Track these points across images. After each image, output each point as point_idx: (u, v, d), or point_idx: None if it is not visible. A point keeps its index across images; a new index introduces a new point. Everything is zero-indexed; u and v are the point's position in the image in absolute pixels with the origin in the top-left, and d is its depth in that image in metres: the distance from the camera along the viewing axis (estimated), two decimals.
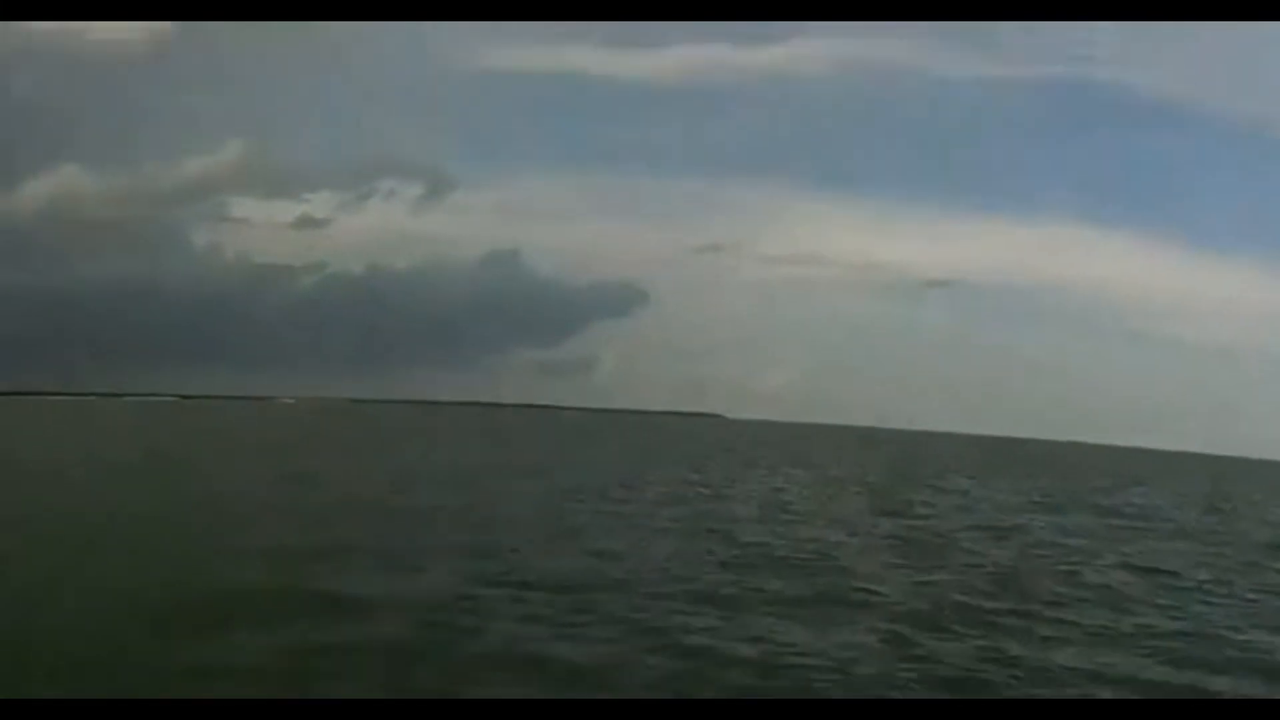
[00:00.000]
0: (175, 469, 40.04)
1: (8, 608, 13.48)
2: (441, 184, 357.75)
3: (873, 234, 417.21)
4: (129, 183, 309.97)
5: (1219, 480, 77.94)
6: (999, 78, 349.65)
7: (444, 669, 11.56)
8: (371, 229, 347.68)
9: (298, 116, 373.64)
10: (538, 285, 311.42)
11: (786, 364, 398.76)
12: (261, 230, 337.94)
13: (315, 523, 23.89)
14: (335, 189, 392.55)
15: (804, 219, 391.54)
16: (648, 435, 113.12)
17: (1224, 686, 12.29)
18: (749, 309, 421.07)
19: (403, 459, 51.30)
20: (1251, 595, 19.69)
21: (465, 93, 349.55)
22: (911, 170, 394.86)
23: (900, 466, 66.46)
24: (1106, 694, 11.63)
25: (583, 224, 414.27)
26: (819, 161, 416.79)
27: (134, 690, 9.71)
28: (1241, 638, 15.47)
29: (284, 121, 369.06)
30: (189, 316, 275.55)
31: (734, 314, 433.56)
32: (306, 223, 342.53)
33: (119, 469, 38.60)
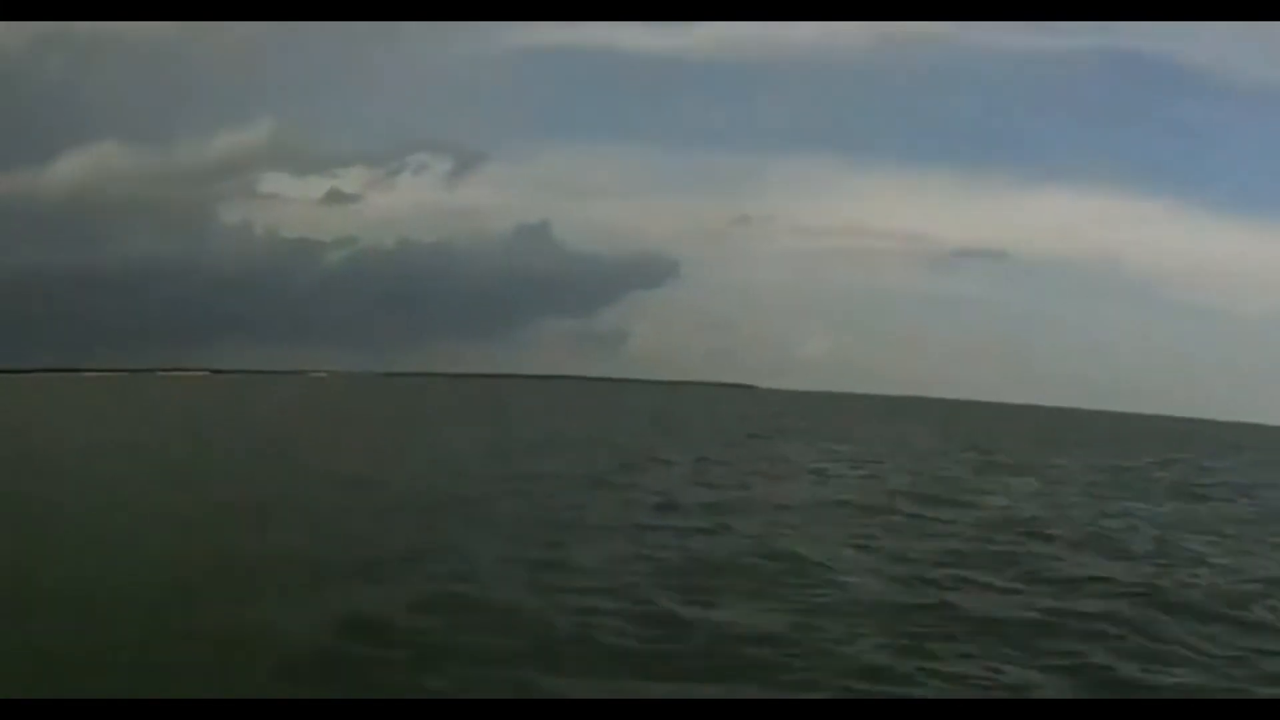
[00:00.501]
0: (164, 446, 36.46)
1: None
2: (472, 158, 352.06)
3: (909, 205, 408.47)
4: (161, 160, 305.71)
5: None
6: (1043, 48, 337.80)
7: None
8: (402, 204, 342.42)
9: (328, 93, 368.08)
10: (569, 257, 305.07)
11: (820, 334, 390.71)
12: (292, 206, 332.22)
13: (255, 517, 19.07)
14: (366, 164, 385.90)
15: (840, 190, 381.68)
16: (678, 406, 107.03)
17: None
18: (782, 280, 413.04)
19: (399, 435, 45.68)
20: None
21: (496, 67, 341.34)
22: (950, 141, 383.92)
23: (950, 441, 59.87)
24: None
25: (614, 197, 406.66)
26: (855, 132, 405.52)
27: None
28: None
29: (315, 98, 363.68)
30: (220, 292, 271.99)
31: (767, 285, 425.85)
32: (336, 198, 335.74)
33: (103, 449, 34.21)
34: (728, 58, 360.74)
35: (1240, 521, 25.07)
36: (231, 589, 12.81)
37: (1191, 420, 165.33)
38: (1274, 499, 32.20)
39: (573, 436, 47.13)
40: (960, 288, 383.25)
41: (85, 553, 15.00)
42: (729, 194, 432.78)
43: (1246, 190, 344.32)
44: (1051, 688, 10.01)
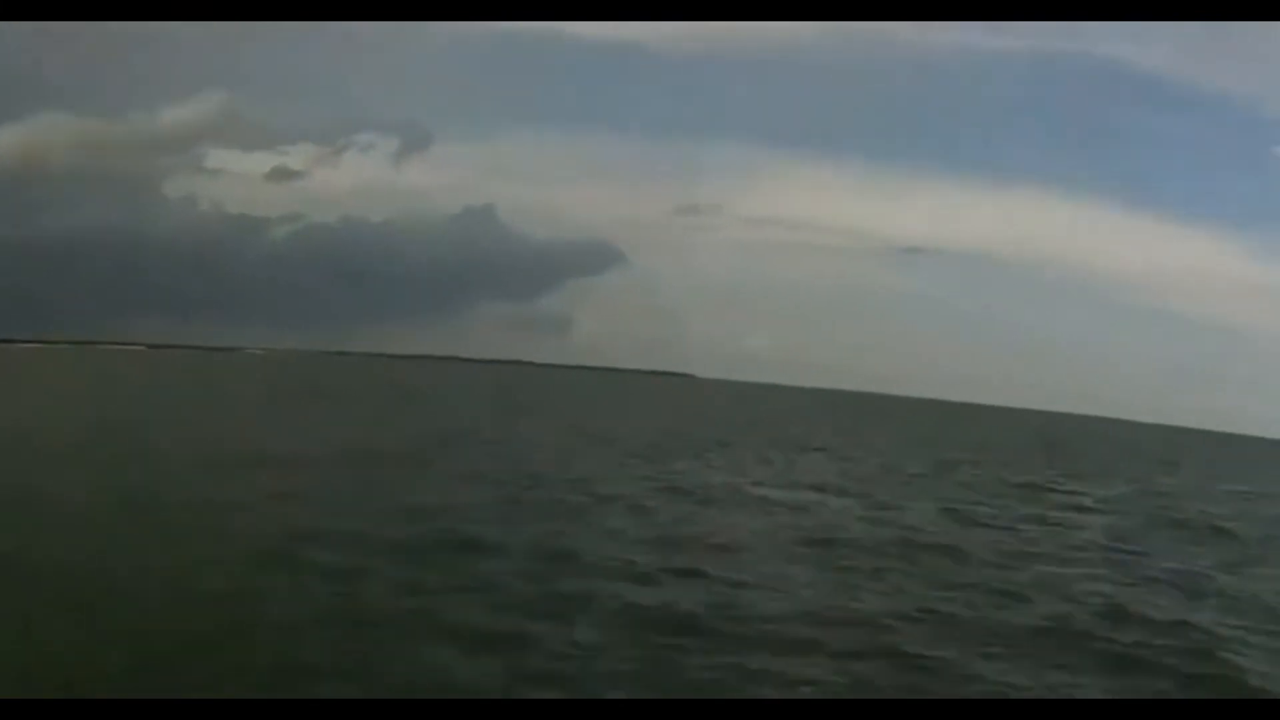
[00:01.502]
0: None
1: None
2: (419, 139, 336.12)
3: (854, 199, 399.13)
4: (106, 132, 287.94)
5: None
6: (987, 46, 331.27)
7: None
8: (348, 182, 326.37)
9: (278, 69, 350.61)
10: (513, 242, 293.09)
11: (762, 326, 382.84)
12: (236, 181, 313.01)
13: None
14: (312, 141, 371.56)
15: (786, 183, 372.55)
16: (614, 395, 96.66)
17: None
18: (727, 271, 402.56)
19: (279, 417, 35.44)
20: None
21: (444, 49, 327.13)
22: (895, 136, 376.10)
23: (924, 450, 50.01)
24: None
25: (561, 183, 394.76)
26: (802, 125, 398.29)
27: None
28: None
29: (263, 73, 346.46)
30: (163, 266, 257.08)
31: (711, 275, 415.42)
32: (282, 174, 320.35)
33: None
34: (681, 48, 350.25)
35: None
36: None
37: (1147, 426, 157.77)
38: None
39: (484, 433, 36.50)
40: (906, 284, 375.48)
41: None
42: (677, 183, 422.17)
43: (1199, 197, 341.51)
44: None
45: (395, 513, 17.39)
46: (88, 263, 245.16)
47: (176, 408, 44.33)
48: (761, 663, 9.94)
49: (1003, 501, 26.91)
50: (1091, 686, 10.00)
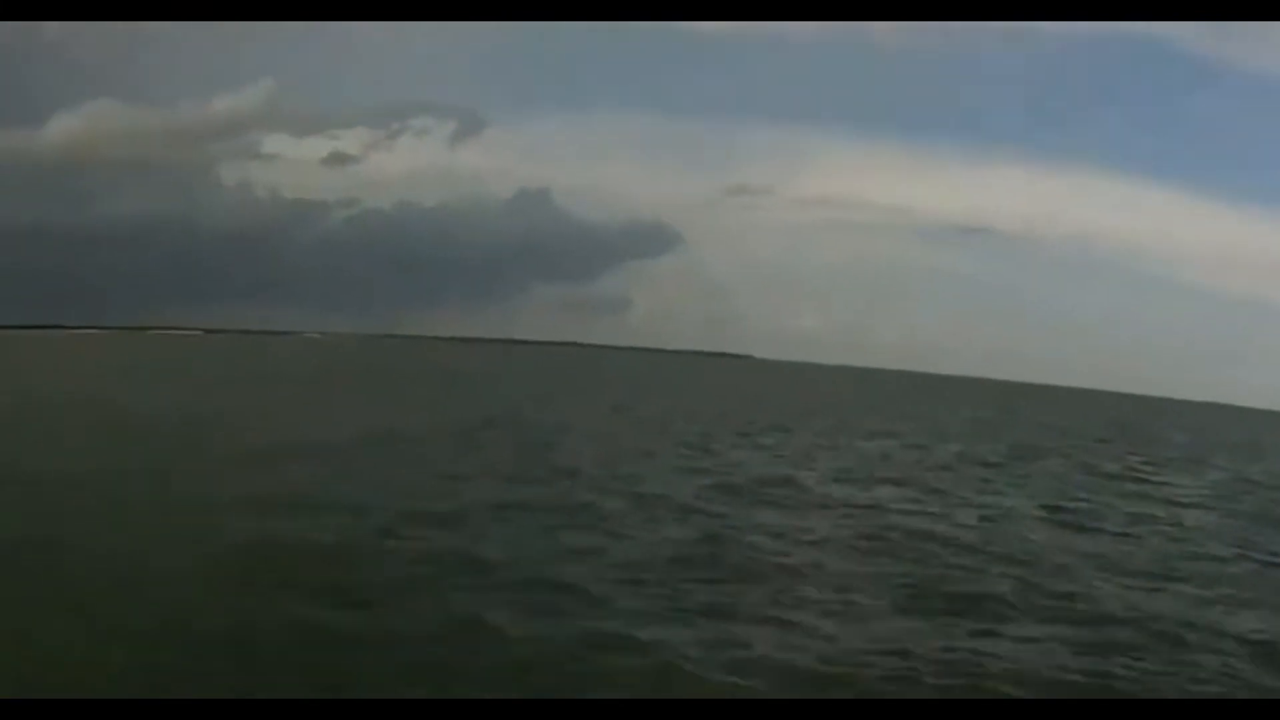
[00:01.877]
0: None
1: None
2: (474, 123, 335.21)
3: (906, 179, 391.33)
4: (159, 120, 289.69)
5: None
6: (1039, 27, 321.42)
7: None
8: (402, 166, 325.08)
9: (330, 54, 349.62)
10: (569, 224, 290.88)
11: (818, 306, 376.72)
12: (292, 166, 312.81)
13: None
14: (367, 126, 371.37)
15: (838, 163, 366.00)
16: (669, 377, 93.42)
17: None
18: (782, 251, 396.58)
19: (323, 402, 34.59)
20: None
21: (500, 33, 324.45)
22: (947, 116, 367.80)
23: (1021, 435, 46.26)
24: None
25: (614, 165, 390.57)
26: (854, 105, 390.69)
27: None
28: None
29: (316, 59, 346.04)
30: (220, 252, 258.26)
31: (767, 256, 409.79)
32: (338, 159, 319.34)
33: None
34: (729, 29, 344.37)
35: None
36: None
37: (1195, 404, 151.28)
38: None
39: (499, 418, 33.46)
40: (955, 263, 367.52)
41: None
42: (727, 163, 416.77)
43: (1242, 178, 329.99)
44: None
45: (403, 518, 14.54)
46: (142, 249, 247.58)
47: (223, 393, 41.90)
48: None
49: (1102, 498, 23.34)
50: None
